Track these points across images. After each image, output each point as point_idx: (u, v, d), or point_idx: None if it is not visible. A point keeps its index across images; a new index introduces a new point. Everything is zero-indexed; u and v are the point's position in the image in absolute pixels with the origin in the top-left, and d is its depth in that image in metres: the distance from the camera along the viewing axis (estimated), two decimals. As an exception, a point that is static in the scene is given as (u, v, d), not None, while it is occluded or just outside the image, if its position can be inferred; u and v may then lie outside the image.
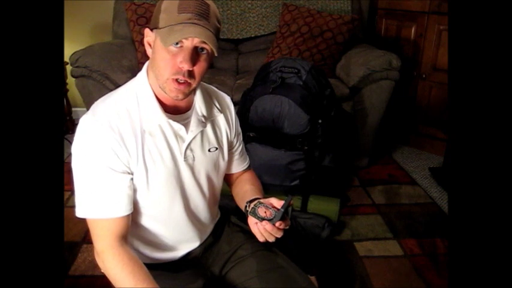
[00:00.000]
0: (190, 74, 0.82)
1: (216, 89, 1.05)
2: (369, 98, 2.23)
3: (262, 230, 0.84)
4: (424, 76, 2.55)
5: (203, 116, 0.94)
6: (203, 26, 0.78)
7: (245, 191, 1.02)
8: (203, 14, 0.79)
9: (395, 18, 2.65)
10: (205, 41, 0.78)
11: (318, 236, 1.73)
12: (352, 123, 2.22)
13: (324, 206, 1.80)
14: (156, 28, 0.82)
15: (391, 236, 1.84)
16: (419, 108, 2.63)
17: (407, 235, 1.85)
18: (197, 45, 0.80)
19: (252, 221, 0.88)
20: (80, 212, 0.85)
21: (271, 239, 0.85)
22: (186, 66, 0.79)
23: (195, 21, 0.78)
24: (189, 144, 0.91)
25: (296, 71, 1.87)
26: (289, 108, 1.77)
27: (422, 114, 2.63)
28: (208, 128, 0.96)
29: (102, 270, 0.87)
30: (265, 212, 0.86)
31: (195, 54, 0.81)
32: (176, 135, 0.90)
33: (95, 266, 1.64)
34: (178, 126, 0.89)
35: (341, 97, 2.15)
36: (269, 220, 0.84)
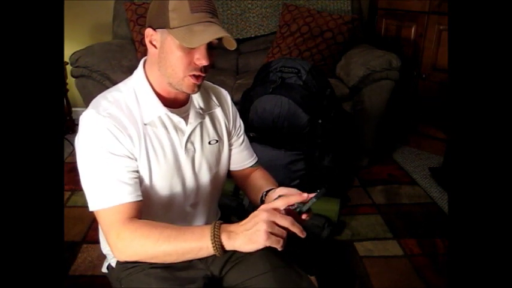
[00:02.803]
0: (205, 68, 0.86)
1: (212, 83, 1.06)
2: (369, 98, 2.23)
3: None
4: (424, 76, 2.55)
5: (201, 108, 0.97)
6: (218, 24, 0.82)
7: (260, 185, 1.01)
8: (214, 12, 0.83)
9: (395, 18, 2.65)
10: (231, 38, 0.82)
11: (318, 236, 1.73)
12: (352, 123, 2.22)
13: (324, 206, 1.79)
14: (163, 28, 0.82)
15: (391, 236, 1.84)
16: (419, 108, 2.63)
17: (407, 235, 1.85)
18: (212, 41, 0.82)
19: None
20: (91, 206, 0.84)
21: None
22: (204, 62, 0.83)
23: (210, 19, 0.81)
24: (189, 137, 0.93)
25: (296, 71, 1.87)
26: (289, 108, 1.77)
27: (423, 114, 2.63)
28: (208, 121, 0.98)
29: (126, 258, 0.83)
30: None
31: (208, 49, 0.84)
32: (176, 128, 0.91)
33: (95, 266, 1.64)
34: (177, 119, 0.91)
35: (341, 97, 2.15)
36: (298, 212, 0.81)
